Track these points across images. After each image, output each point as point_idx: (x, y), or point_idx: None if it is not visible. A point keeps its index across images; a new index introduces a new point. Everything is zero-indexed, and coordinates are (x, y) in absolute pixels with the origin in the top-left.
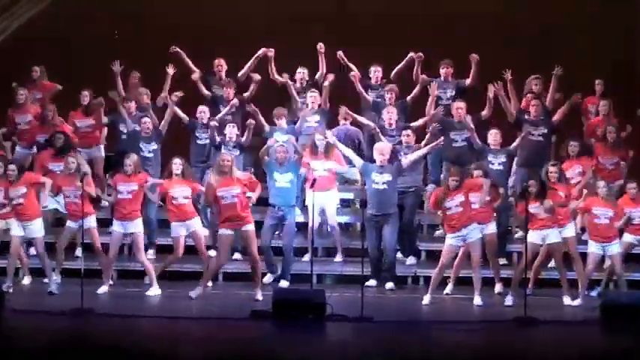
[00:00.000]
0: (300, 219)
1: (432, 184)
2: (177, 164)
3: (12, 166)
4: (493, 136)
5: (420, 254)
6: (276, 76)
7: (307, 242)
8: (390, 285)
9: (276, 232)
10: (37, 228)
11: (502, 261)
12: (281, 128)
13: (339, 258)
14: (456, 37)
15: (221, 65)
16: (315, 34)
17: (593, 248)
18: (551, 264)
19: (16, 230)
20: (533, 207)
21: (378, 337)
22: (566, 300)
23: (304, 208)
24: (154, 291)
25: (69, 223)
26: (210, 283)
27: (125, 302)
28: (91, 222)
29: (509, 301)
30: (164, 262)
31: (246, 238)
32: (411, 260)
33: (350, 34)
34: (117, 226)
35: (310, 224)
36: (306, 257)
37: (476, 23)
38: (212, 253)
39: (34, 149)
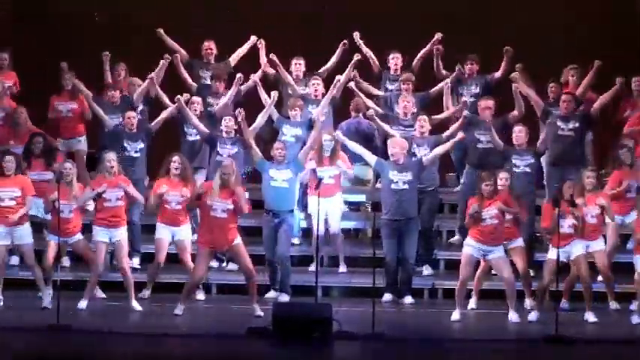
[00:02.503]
0: (304, 225)
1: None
2: (175, 162)
3: (9, 157)
4: (517, 133)
5: (438, 264)
6: (268, 69)
7: (312, 250)
8: (409, 299)
9: None
10: (27, 234)
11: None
12: (293, 121)
13: (342, 269)
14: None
15: (210, 49)
16: (313, 32)
17: None
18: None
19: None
20: (564, 218)
21: (390, 356)
22: (590, 317)
23: (307, 214)
24: (136, 306)
25: (52, 237)
26: (203, 296)
27: (106, 318)
28: (78, 236)
29: (532, 316)
30: (148, 276)
31: (236, 254)
32: (427, 270)
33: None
34: (101, 236)
35: (315, 231)
36: (313, 267)
37: (475, 22)
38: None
39: None
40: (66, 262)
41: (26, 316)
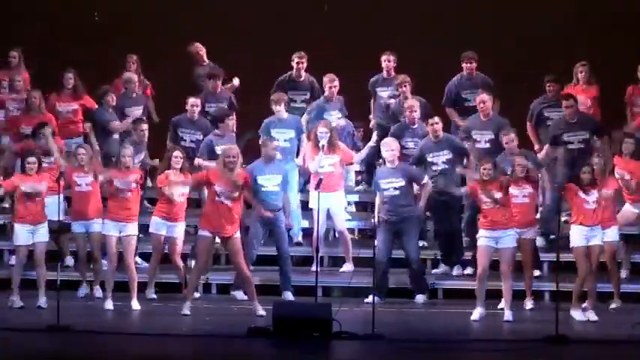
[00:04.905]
0: (305, 224)
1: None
2: (177, 158)
3: (32, 159)
4: (507, 137)
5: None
6: None
7: (312, 251)
8: (421, 298)
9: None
10: (45, 232)
11: (535, 272)
12: (280, 120)
13: (348, 267)
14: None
15: (202, 51)
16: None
17: None
18: None
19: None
20: (583, 196)
21: (390, 356)
22: (592, 316)
23: (309, 212)
24: (135, 305)
25: (76, 228)
26: (198, 294)
27: (106, 317)
28: (97, 224)
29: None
30: (150, 275)
31: (232, 247)
32: (457, 270)
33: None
34: (112, 229)
35: (316, 229)
36: (313, 267)
37: (476, 18)
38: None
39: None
40: (69, 261)
41: (26, 316)
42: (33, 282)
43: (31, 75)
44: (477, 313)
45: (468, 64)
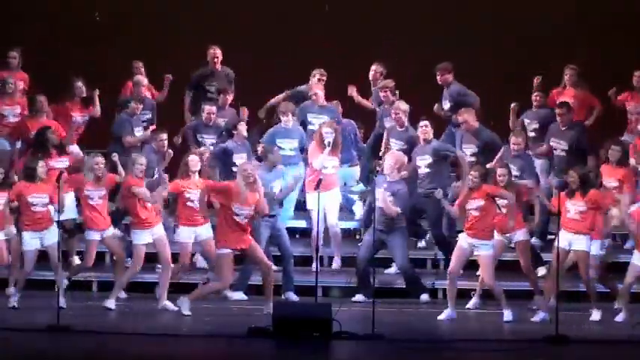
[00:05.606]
0: (303, 224)
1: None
2: (194, 161)
3: (41, 163)
4: (515, 140)
5: (438, 263)
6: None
7: (312, 251)
8: (425, 297)
9: None
10: (54, 235)
11: (542, 271)
12: (285, 129)
13: (335, 265)
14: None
15: (217, 57)
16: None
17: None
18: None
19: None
20: (569, 203)
21: (390, 356)
22: (596, 315)
23: (307, 212)
24: (170, 306)
25: (92, 235)
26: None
27: (106, 318)
28: (112, 229)
29: (538, 317)
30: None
31: (253, 252)
32: None
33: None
34: (145, 237)
35: (315, 230)
36: (313, 267)
37: (476, 19)
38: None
39: (18, 145)
40: (75, 260)
41: (26, 316)
42: (34, 282)
43: (30, 75)
44: (445, 312)
45: (439, 76)
